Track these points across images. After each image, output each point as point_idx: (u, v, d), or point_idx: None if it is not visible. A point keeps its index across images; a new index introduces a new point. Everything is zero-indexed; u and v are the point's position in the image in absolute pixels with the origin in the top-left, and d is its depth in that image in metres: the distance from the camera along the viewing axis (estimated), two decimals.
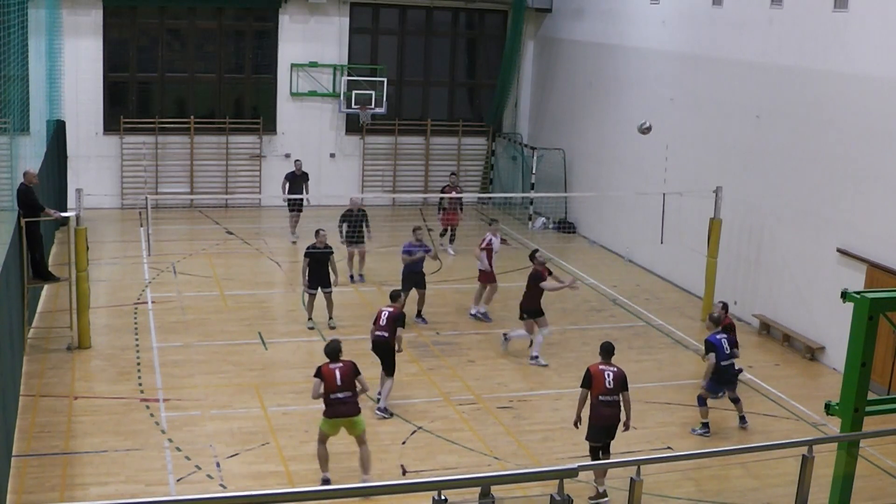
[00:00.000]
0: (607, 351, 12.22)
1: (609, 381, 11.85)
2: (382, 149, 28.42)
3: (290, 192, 23.25)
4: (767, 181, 18.62)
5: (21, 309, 15.26)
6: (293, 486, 11.78)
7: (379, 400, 14.17)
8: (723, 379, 13.99)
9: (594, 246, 24.50)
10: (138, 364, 15.70)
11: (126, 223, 25.05)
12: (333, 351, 12.17)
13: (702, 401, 14.06)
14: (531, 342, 16.68)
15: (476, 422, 14.15)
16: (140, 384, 14.90)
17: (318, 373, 12.02)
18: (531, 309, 16.47)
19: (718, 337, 13.97)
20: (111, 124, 26.26)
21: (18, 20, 16.95)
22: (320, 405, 12.08)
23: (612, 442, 12.18)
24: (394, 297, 14.57)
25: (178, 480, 12.09)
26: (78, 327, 16.24)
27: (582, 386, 12.04)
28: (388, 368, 14.20)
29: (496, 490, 6.33)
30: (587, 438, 12.09)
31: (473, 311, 18.69)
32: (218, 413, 14.04)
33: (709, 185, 19.07)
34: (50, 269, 17.30)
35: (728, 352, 13.92)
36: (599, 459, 11.83)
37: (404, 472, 12.59)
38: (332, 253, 17.59)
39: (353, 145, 28.10)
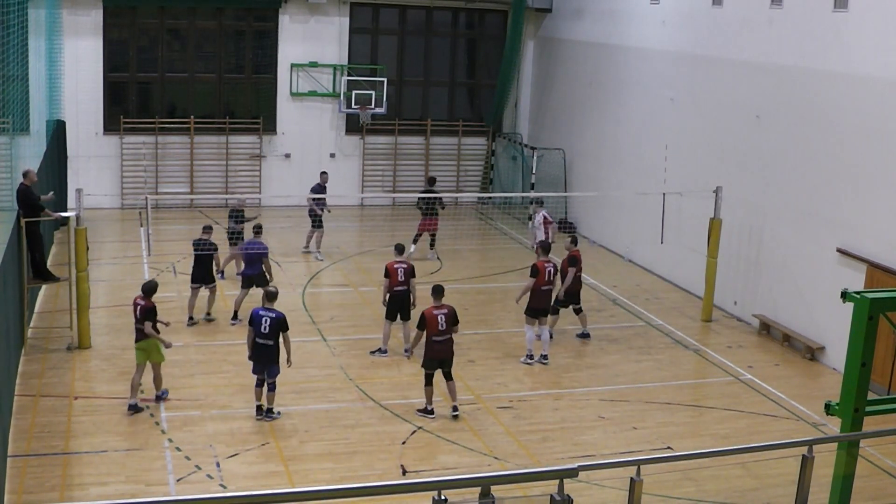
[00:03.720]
0: (438, 292, 14.19)
1: (442, 324, 13.93)
2: (382, 149, 28.41)
3: (316, 205, 21.92)
4: (767, 181, 18.61)
5: (19, 309, 15.25)
6: (293, 486, 11.78)
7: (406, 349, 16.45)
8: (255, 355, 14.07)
9: (594, 246, 24.48)
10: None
11: (126, 223, 25.04)
12: (151, 289, 14.35)
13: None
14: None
15: (476, 422, 14.15)
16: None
17: (134, 304, 14.24)
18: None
19: (261, 312, 13.94)
20: (111, 124, 26.25)
21: (18, 20, 16.95)
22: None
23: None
24: (399, 249, 17.01)
25: (178, 480, 12.08)
26: (78, 327, 16.23)
27: (418, 328, 14.13)
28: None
29: (496, 490, 6.33)
30: (423, 366, 14.16)
31: None
32: (218, 413, 14.03)
33: (709, 185, 19.07)
34: (50, 268, 17.30)
35: (266, 331, 13.86)
36: (431, 385, 14.07)
37: (404, 472, 12.59)
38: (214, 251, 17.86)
39: (353, 145, 28.10)
